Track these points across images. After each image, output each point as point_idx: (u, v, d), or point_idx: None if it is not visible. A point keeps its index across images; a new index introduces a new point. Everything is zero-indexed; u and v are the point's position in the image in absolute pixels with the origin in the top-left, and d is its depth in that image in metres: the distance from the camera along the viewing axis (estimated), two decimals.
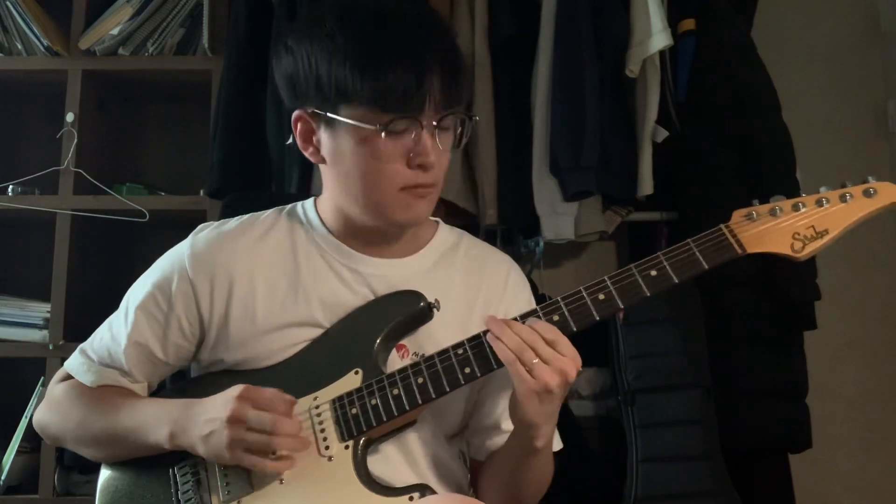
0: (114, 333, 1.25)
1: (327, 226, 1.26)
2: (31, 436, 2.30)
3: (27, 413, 2.33)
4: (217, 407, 1.11)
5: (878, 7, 2.75)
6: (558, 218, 2.18)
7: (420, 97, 1.10)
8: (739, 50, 2.25)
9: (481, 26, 2.22)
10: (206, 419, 1.12)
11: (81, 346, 1.28)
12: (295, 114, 1.20)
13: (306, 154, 1.22)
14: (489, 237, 2.28)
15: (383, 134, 1.11)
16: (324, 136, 1.18)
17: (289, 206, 1.32)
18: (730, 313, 2.10)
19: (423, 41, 1.12)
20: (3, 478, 2.28)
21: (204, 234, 1.28)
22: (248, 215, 1.31)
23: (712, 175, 2.20)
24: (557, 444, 1.30)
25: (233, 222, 1.30)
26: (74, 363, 1.27)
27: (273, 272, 1.24)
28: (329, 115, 1.15)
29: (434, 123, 1.14)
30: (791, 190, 2.16)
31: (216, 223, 1.30)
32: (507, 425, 1.22)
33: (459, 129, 1.19)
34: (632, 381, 2.04)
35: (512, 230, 2.33)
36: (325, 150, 1.19)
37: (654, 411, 2.01)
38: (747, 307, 2.10)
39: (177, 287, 1.23)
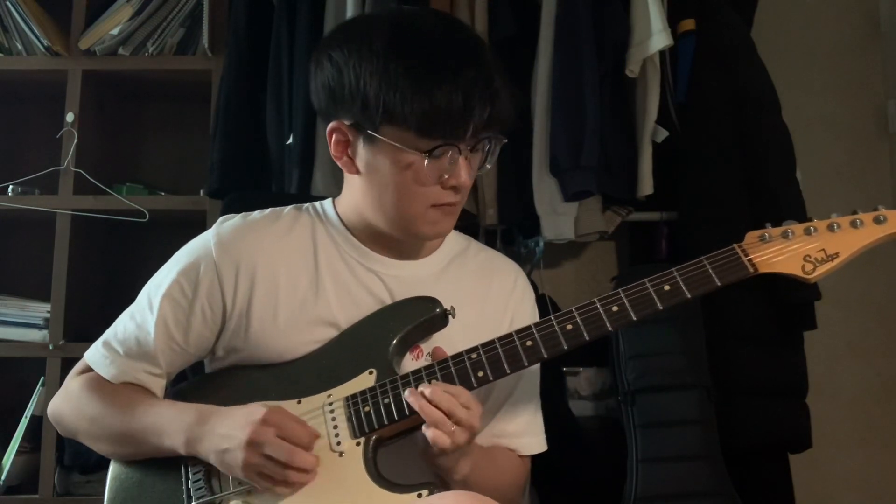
0: (139, 323, 1.25)
1: (347, 226, 1.29)
2: (31, 436, 2.31)
3: (27, 413, 2.33)
4: (237, 424, 1.12)
5: (878, 7, 2.75)
6: (558, 218, 2.18)
7: (465, 126, 1.15)
8: (739, 50, 2.25)
9: (481, 26, 2.22)
10: (224, 434, 1.13)
11: (104, 338, 1.28)
12: (332, 125, 1.22)
13: (339, 163, 1.24)
14: (489, 237, 2.28)
15: (426, 160, 1.15)
16: (361, 149, 1.20)
17: (307, 205, 1.35)
18: (730, 313, 2.10)
19: (470, 70, 1.14)
20: (3, 478, 2.28)
21: (230, 223, 1.30)
22: (269, 209, 1.33)
23: (712, 175, 2.20)
24: (542, 447, 1.35)
25: (256, 215, 1.32)
26: (96, 355, 1.27)
27: (295, 268, 1.26)
28: (370, 132, 1.17)
29: (469, 147, 1.18)
30: (791, 189, 2.19)
31: (240, 215, 1.32)
32: (500, 430, 1.30)
33: (488, 147, 1.22)
34: (632, 381, 2.04)
35: (512, 230, 2.33)
36: (361, 163, 1.22)
37: (654, 411, 2.01)
38: (747, 307, 2.10)
39: (203, 273, 1.24)
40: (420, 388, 1.13)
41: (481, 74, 1.15)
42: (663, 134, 2.20)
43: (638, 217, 2.35)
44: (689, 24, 2.27)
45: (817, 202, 2.19)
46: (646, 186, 2.19)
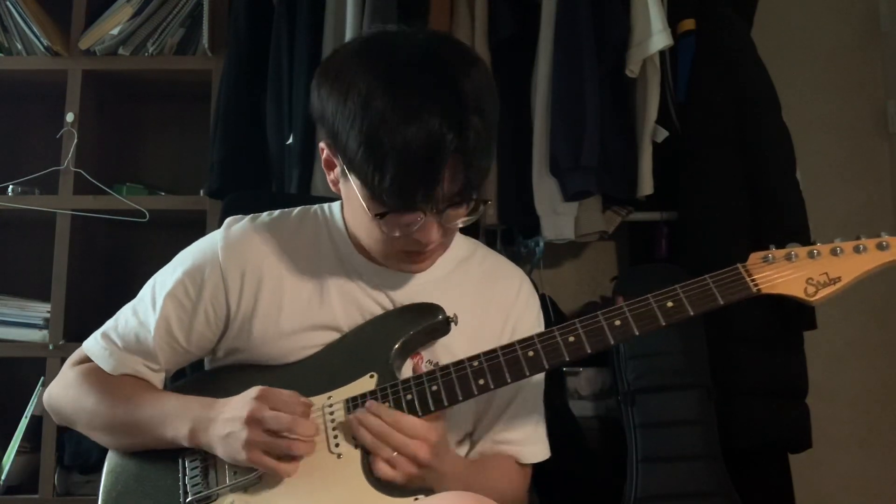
0: (141, 319, 1.25)
1: (351, 236, 1.28)
2: (31, 436, 2.31)
3: (27, 413, 2.33)
4: (237, 407, 1.13)
5: (878, 7, 2.75)
6: (558, 218, 2.18)
7: (425, 196, 1.09)
8: (739, 50, 2.25)
9: (481, 26, 2.22)
10: (226, 419, 1.13)
11: (103, 329, 1.28)
12: (321, 143, 1.20)
13: (328, 180, 1.23)
14: (489, 237, 2.29)
15: (379, 221, 1.12)
16: (340, 178, 1.20)
17: (316, 207, 1.34)
18: (730, 313, 2.09)
19: (441, 137, 1.06)
20: (3, 478, 2.28)
21: (237, 226, 1.29)
22: (277, 212, 1.33)
23: (712, 175, 2.20)
24: (544, 454, 1.34)
25: (264, 217, 1.31)
26: (96, 347, 1.27)
27: (300, 273, 1.26)
28: (343, 166, 1.15)
29: (442, 210, 1.12)
30: (791, 189, 2.19)
31: (247, 217, 1.31)
32: (502, 437, 1.29)
33: (472, 206, 1.15)
34: (632, 381, 2.04)
35: (512, 230, 2.33)
36: (341, 189, 1.21)
37: (654, 411, 2.01)
38: (747, 307, 2.08)
39: (208, 276, 1.25)
40: (358, 411, 1.14)
41: (454, 137, 1.06)
42: (663, 134, 2.20)
43: (638, 217, 2.35)
44: (689, 24, 2.27)
45: (817, 202, 2.19)
46: (646, 186, 2.19)
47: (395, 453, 1.11)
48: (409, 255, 1.19)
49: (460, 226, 1.18)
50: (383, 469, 1.11)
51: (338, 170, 1.19)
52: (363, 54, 1.14)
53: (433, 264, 1.25)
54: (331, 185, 1.23)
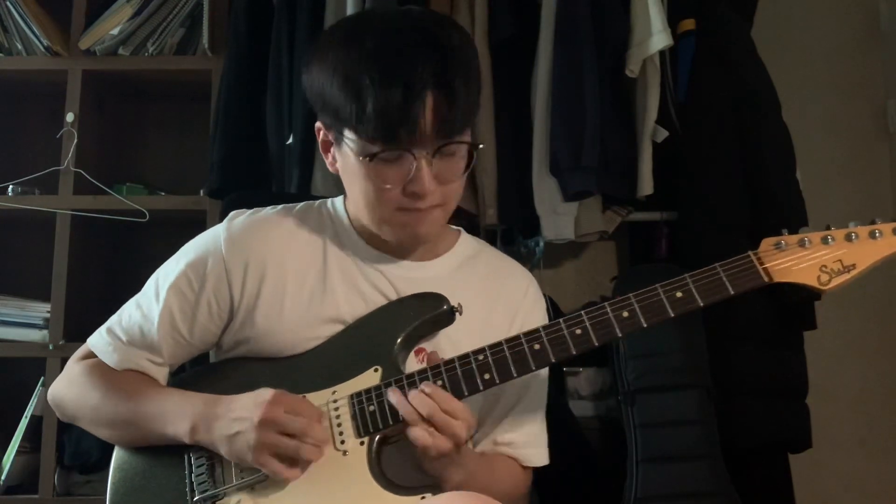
0: (145, 312, 1.26)
1: (354, 226, 1.29)
2: (32, 436, 2.31)
3: (27, 413, 2.33)
4: (247, 407, 1.13)
5: (878, 7, 2.75)
6: (558, 218, 2.18)
7: (409, 129, 1.10)
8: (739, 50, 2.25)
9: (481, 26, 2.22)
10: (234, 418, 1.13)
11: (108, 324, 1.29)
12: (317, 124, 1.23)
13: (326, 162, 1.26)
14: (489, 237, 2.28)
15: (373, 164, 1.14)
16: (336, 150, 1.22)
17: (318, 202, 1.35)
18: (730, 313, 2.10)
19: (418, 71, 1.09)
20: (3, 478, 2.28)
21: (240, 219, 1.30)
22: (280, 206, 1.34)
23: (712, 175, 2.20)
24: (544, 460, 1.34)
25: (268, 211, 1.32)
26: (100, 342, 1.27)
27: (303, 266, 1.26)
28: (336, 133, 1.18)
29: (431, 153, 1.13)
30: (791, 189, 2.19)
31: (250, 211, 1.32)
32: (505, 439, 1.29)
33: (466, 155, 1.18)
34: (632, 381, 2.04)
35: (512, 230, 2.33)
36: (338, 164, 1.23)
37: (654, 411, 2.01)
38: (747, 307, 2.10)
39: (211, 268, 1.25)
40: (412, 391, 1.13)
41: (433, 74, 1.10)
42: (663, 134, 2.20)
43: (638, 217, 2.35)
44: (689, 24, 2.27)
45: (817, 202, 2.19)
46: (646, 186, 2.19)
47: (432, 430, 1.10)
48: (406, 215, 1.18)
49: (455, 179, 1.18)
50: (422, 436, 1.09)
51: (334, 148, 1.21)
52: (343, 26, 1.21)
53: (433, 228, 1.23)
54: (329, 167, 1.25)
